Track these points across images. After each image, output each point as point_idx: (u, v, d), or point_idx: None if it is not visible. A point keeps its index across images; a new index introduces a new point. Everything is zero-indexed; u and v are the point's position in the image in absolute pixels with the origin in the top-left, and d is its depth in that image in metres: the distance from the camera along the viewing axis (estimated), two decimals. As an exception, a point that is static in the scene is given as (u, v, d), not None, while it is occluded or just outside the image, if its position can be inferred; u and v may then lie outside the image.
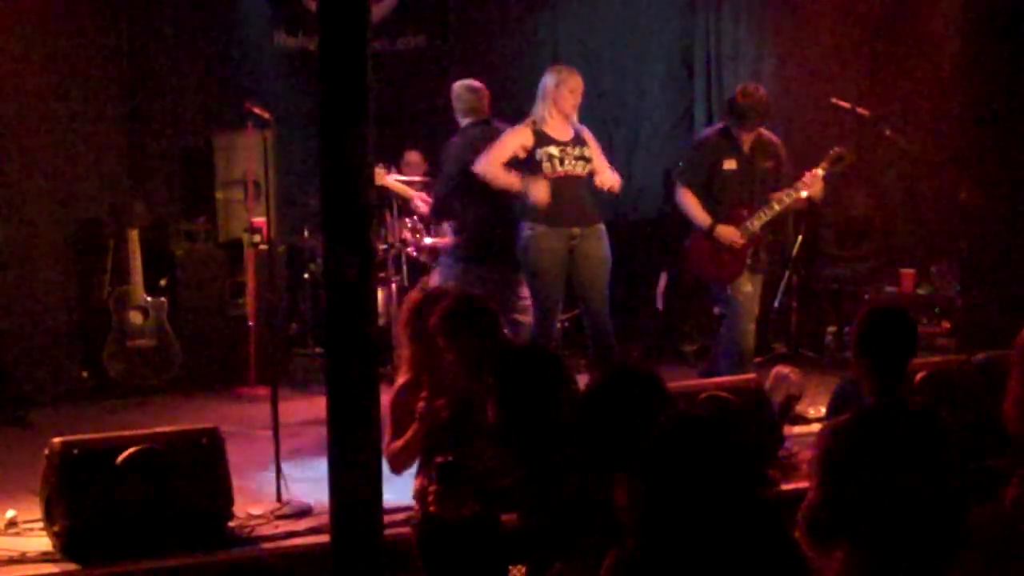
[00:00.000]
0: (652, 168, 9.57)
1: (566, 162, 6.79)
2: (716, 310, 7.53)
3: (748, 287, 7.01)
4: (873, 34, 9.24)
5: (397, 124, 8.68)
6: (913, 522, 3.76)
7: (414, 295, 5.08)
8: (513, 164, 6.81)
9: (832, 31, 9.18)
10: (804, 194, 6.94)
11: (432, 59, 9.55)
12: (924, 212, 9.14)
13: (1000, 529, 4.31)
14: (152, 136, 8.74)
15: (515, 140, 6.81)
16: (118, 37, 8.48)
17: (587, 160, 6.86)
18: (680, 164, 7.38)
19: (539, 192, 6.67)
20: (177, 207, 8.87)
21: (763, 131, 7.12)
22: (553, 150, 6.77)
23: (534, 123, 6.83)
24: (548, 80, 6.87)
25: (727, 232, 6.94)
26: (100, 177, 8.39)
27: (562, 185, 6.78)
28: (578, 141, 6.87)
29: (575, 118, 6.86)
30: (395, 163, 8.56)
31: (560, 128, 6.82)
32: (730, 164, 7.04)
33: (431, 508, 4.50)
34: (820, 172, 6.92)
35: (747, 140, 7.04)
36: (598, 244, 6.90)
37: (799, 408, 6.64)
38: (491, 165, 6.79)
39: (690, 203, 7.04)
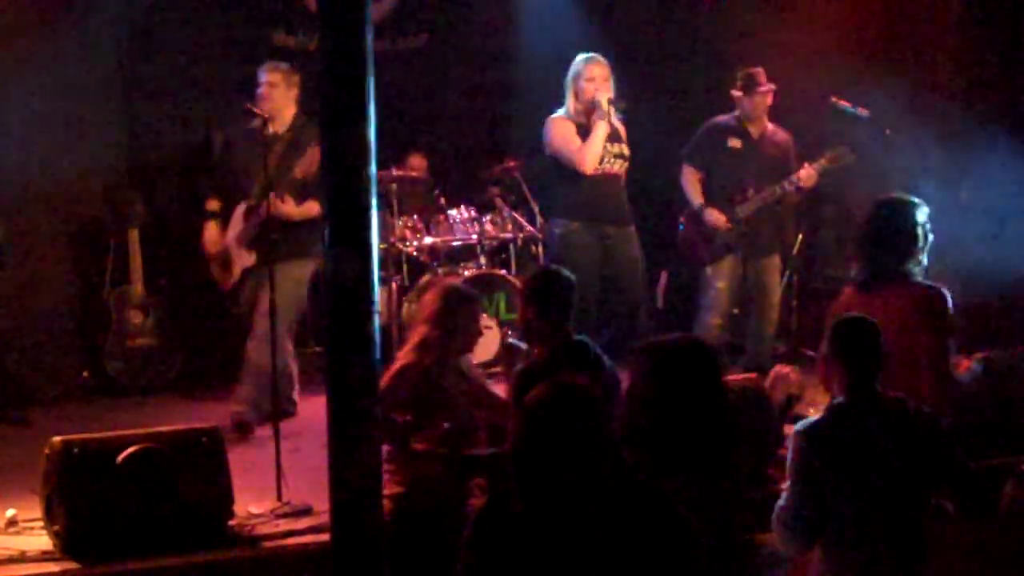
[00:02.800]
0: (652, 166, 9.57)
1: (605, 160, 6.70)
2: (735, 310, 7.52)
3: (721, 283, 7.01)
4: (874, 33, 9.24)
5: (397, 124, 8.67)
6: (888, 516, 3.78)
7: (447, 283, 5.17)
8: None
9: (832, 30, 9.17)
10: (795, 181, 6.99)
11: (432, 59, 9.55)
12: (924, 211, 9.12)
13: (997, 528, 4.33)
14: (152, 136, 8.74)
15: (567, 128, 6.70)
16: (118, 37, 8.48)
17: (624, 158, 6.79)
18: (688, 143, 7.37)
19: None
20: (177, 206, 8.88)
21: (777, 127, 7.17)
22: None
23: (567, 115, 6.74)
24: (571, 70, 6.77)
25: (714, 215, 6.99)
26: (100, 176, 8.39)
27: (600, 183, 6.70)
28: (615, 137, 6.78)
29: (604, 108, 6.65)
30: (399, 164, 8.56)
31: (591, 121, 6.70)
32: (735, 143, 7.09)
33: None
34: (817, 168, 6.99)
35: (755, 125, 7.08)
36: (631, 246, 6.84)
37: (799, 408, 6.63)
38: (585, 153, 6.63)
39: (688, 181, 7.12)
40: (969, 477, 3.94)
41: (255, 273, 6.69)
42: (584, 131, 6.67)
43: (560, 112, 6.82)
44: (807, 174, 6.97)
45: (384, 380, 4.93)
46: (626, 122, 6.93)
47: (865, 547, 3.77)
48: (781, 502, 3.86)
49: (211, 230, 6.87)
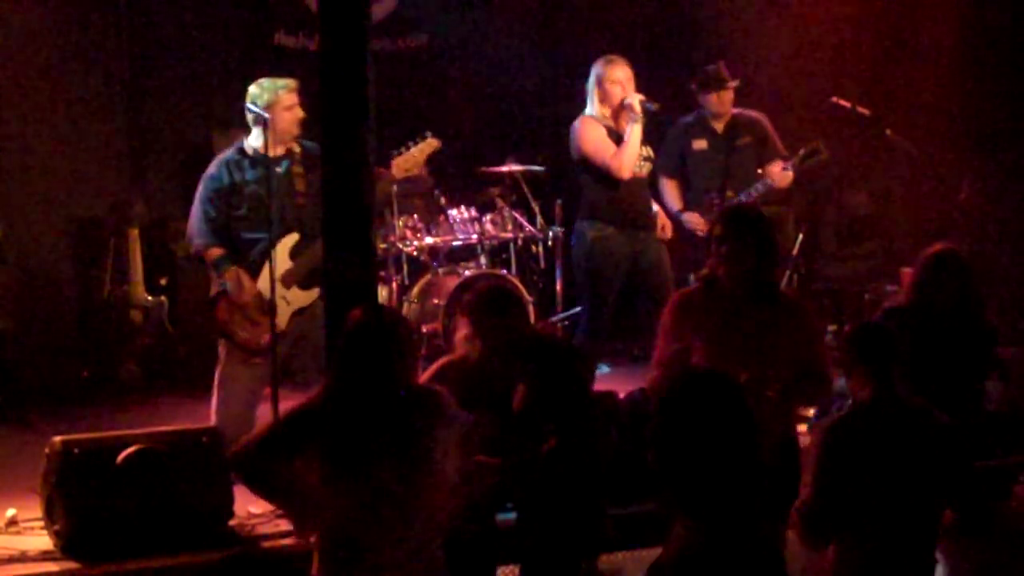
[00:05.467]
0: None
1: (636, 163, 6.65)
2: None
3: None
4: (874, 33, 9.24)
5: (397, 124, 8.67)
6: (906, 516, 3.79)
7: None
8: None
9: (833, 30, 9.18)
10: (769, 182, 6.95)
11: (432, 59, 9.55)
12: (924, 212, 9.14)
13: (1009, 526, 4.34)
14: (152, 136, 8.74)
15: (599, 131, 6.55)
16: (119, 37, 8.49)
17: (651, 160, 6.70)
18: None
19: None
20: (177, 206, 8.87)
21: (742, 110, 7.13)
22: None
23: (593, 118, 6.59)
24: (593, 73, 6.62)
25: (691, 219, 6.97)
26: (100, 177, 8.40)
27: (632, 186, 6.58)
28: (643, 140, 6.63)
29: (637, 111, 6.49)
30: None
31: (619, 124, 6.58)
32: (700, 144, 7.06)
33: None
34: (791, 166, 6.95)
35: (721, 120, 7.04)
36: (660, 248, 6.72)
37: (802, 411, 6.62)
38: (621, 159, 6.49)
39: (665, 189, 7.07)
40: (974, 494, 3.94)
41: (307, 311, 5.75)
42: (613, 134, 6.57)
43: (587, 114, 6.65)
44: (780, 174, 6.92)
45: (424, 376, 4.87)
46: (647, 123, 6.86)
47: (879, 547, 3.78)
48: (801, 497, 3.87)
49: (235, 276, 5.66)
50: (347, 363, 3.73)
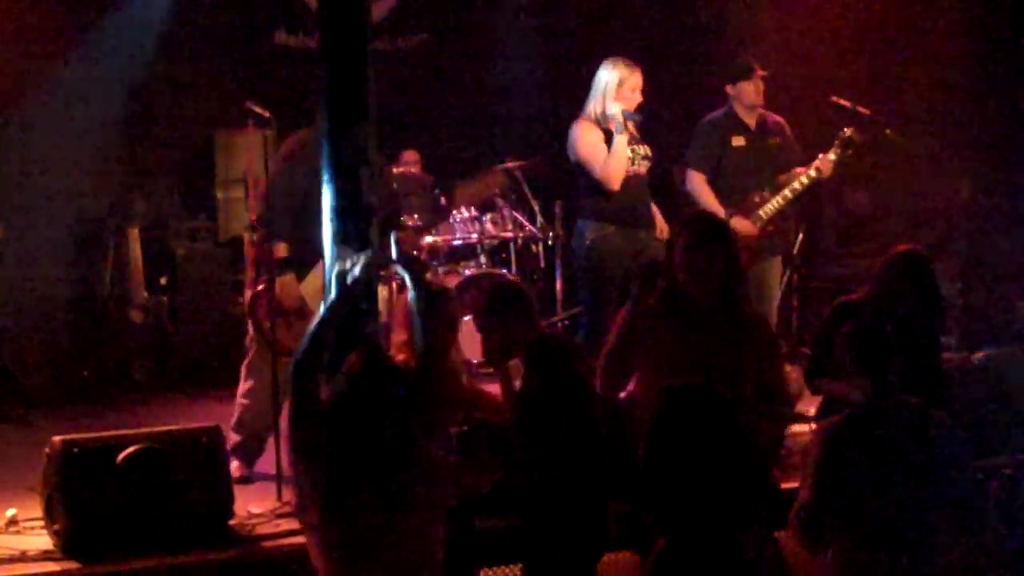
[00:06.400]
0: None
1: (635, 161, 6.58)
2: None
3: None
4: (875, 34, 9.24)
5: (397, 124, 8.68)
6: (905, 517, 3.78)
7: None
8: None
9: (833, 30, 9.18)
10: (814, 174, 6.88)
11: (432, 59, 9.56)
12: (924, 211, 9.14)
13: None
14: (152, 135, 8.75)
15: (595, 136, 6.53)
16: (119, 36, 8.49)
17: (649, 159, 6.70)
18: (689, 148, 7.17)
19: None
20: (178, 205, 8.89)
21: (766, 112, 7.10)
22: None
23: (596, 120, 6.56)
24: (608, 76, 6.56)
25: (742, 225, 6.82)
26: (100, 176, 8.40)
27: (631, 184, 6.57)
28: (637, 139, 6.66)
29: (620, 120, 6.50)
30: (393, 161, 8.55)
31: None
32: (739, 141, 6.95)
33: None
34: (832, 157, 6.88)
35: (753, 114, 6.99)
36: (660, 248, 6.62)
37: (799, 408, 6.62)
38: (608, 171, 6.47)
39: (702, 190, 6.89)
40: (973, 494, 3.94)
41: None
42: (610, 137, 6.56)
43: (585, 116, 6.62)
44: (827, 165, 6.87)
45: None
46: (640, 124, 6.83)
47: (878, 549, 3.77)
48: (800, 501, 3.87)
49: (289, 282, 5.71)
50: (347, 408, 3.60)
